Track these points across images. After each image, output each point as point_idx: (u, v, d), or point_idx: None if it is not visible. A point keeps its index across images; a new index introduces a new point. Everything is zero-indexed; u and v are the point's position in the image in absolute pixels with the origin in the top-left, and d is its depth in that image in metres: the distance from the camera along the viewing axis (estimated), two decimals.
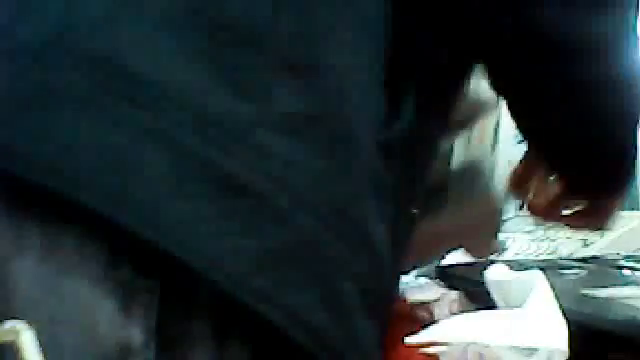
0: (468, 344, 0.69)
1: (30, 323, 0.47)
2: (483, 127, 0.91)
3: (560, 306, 0.68)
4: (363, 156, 0.61)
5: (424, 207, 0.75)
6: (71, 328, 0.55)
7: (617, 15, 0.69)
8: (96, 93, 0.56)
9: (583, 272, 0.99)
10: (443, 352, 0.71)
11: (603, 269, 1.04)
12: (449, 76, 0.72)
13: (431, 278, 0.97)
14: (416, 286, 0.94)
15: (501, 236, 1.02)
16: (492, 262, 0.84)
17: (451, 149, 0.90)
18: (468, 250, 1.00)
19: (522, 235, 1.34)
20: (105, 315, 0.55)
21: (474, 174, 0.91)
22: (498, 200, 0.92)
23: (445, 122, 0.76)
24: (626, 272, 1.01)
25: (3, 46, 0.59)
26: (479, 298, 0.81)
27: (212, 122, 0.56)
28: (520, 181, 0.87)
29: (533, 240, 1.33)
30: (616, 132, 0.75)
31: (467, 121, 0.90)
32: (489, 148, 0.91)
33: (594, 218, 0.87)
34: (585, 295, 0.84)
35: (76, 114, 0.56)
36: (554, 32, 0.66)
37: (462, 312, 0.83)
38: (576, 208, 0.87)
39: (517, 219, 1.26)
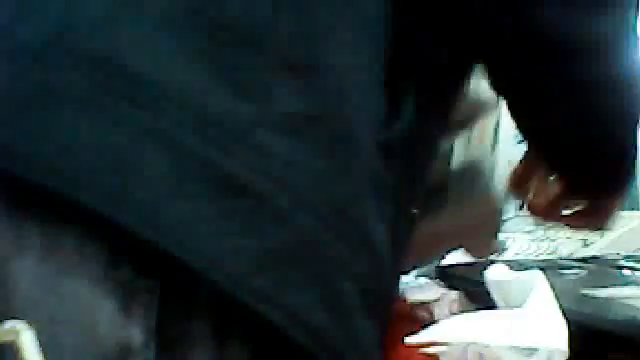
0: (468, 344, 0.69)
1: (30, 323, 0.47)
2: (483, 127, 0.91)
3: (560, 306, 0.68)
4: (363, 156, 0.61)
5: (424, 207, 0.75)
6: (71, 328, 0.55)
7: (617, 15, 0.69)
8: (96, 93, 0.56)
9: (583, 272, 0.99)
10: (443, 352, 0.71)
11: (603, 269, 1.04)
12: (449, 76, 0.72)
13: (431, 278, 0.97)
14: (416, 286, 0.94)
15: (501, 236, 1.02)
16: (492, 262, 0.84)
17: (451, 149, 0.90)
18: (468, 250, 1.00)
19: (522, 235, 1.34)
20: (105, 315, 0.55)
21: (474, 174, 0.91)
22: (498, 200, 0.92)
23: (445, 122, 0.76)
24: (626, 272, 1.01)
25: (3, 46, 0.59)
26: (479, 298, 0.81)
27: (212, 122, 0.56)
28: (520, 181, 0.87)
29: (533, 240, 1.33)
30: (616, 132, 0.75)
31: (467, 121, 0.90)
32: (489, 148, 0.91)
33: (594, 218, 0.87)
34: (585, 295, 0.84)
35: (76, 114, 0.56)
36: (554, 32, 0.66)
37: (462, 312, 0.83)
38: (576, 208, 0.87)
39: (517, 219, 1.26)
